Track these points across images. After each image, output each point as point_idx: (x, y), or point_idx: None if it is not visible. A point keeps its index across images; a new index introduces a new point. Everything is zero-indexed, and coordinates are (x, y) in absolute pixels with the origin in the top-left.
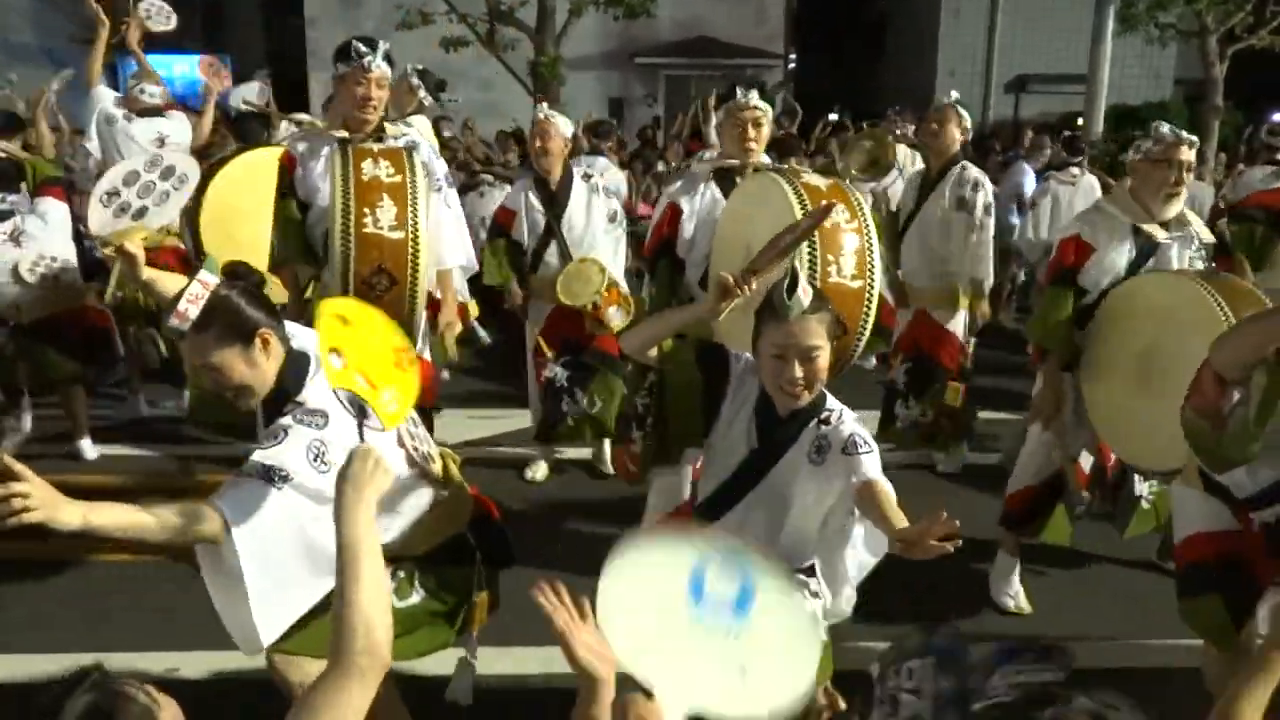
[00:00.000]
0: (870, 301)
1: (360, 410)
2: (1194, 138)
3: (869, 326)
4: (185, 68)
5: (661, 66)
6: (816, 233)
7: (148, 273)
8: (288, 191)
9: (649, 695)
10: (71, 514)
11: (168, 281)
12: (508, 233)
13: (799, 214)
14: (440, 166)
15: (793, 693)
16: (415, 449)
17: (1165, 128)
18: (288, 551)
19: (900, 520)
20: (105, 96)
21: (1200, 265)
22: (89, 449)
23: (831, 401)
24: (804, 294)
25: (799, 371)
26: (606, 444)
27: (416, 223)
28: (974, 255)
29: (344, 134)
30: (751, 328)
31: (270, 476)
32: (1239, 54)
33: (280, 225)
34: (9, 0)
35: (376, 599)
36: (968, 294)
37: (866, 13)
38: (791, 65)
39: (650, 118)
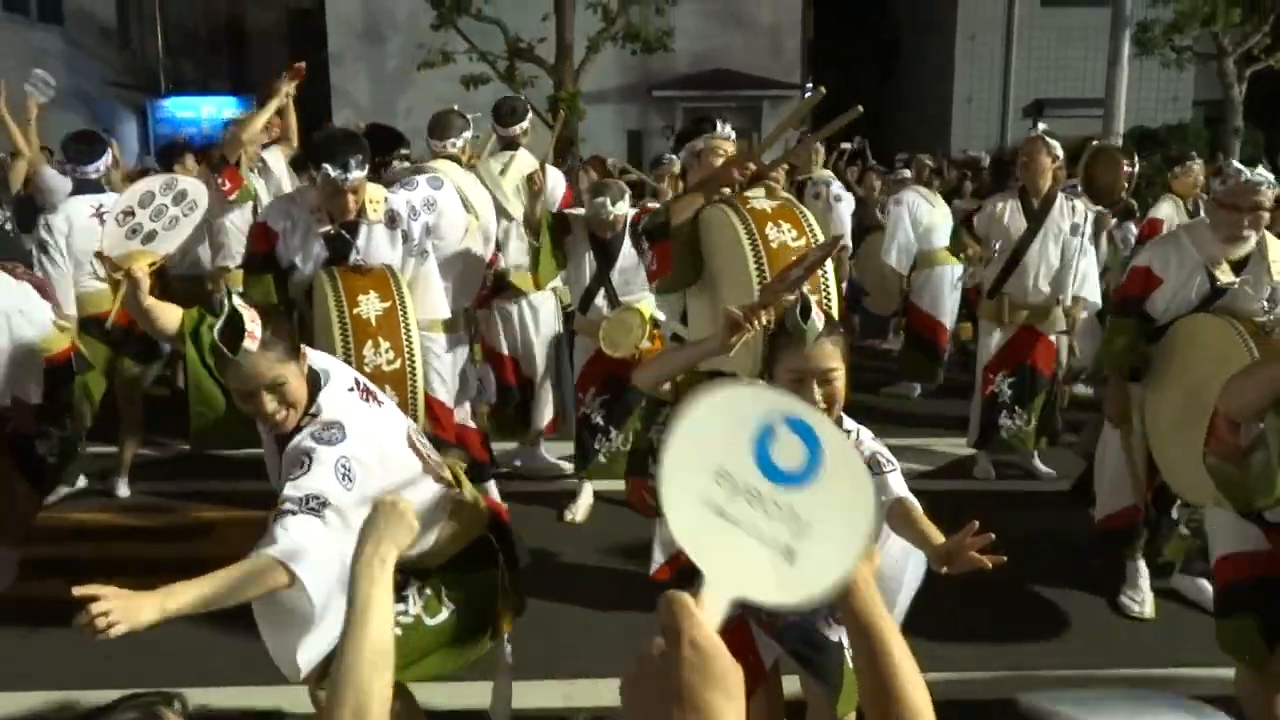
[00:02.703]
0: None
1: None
2: (1269, 179)
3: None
4: (212, 109)
5: (679, 99)
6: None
7: (148, 301)
8: (262, 266)
9: (693, 593)
10: (151, 613)
11: (165, 312)
12: (569, 230)
13: (745, 241)
14: (418, 228)
15: (837, 575)
16: (427, 454)
17: (1238, 169)
18: (334, 577)
19: (936, 535)
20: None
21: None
22: (123, 488)
23: (849, 422)
24: (818, 317)
25: (818, 394)
26: None
27: (411, 347)
28: (1085, 275)
29: (329, 228)
30: (754, 358)
31: (311, 507)
32: (1258, 74)
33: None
34: (43, 45)
35: (375, 669)
36: (1073, 309)
37: (882, 39)
38: (808, 94)
39: (668, 149)
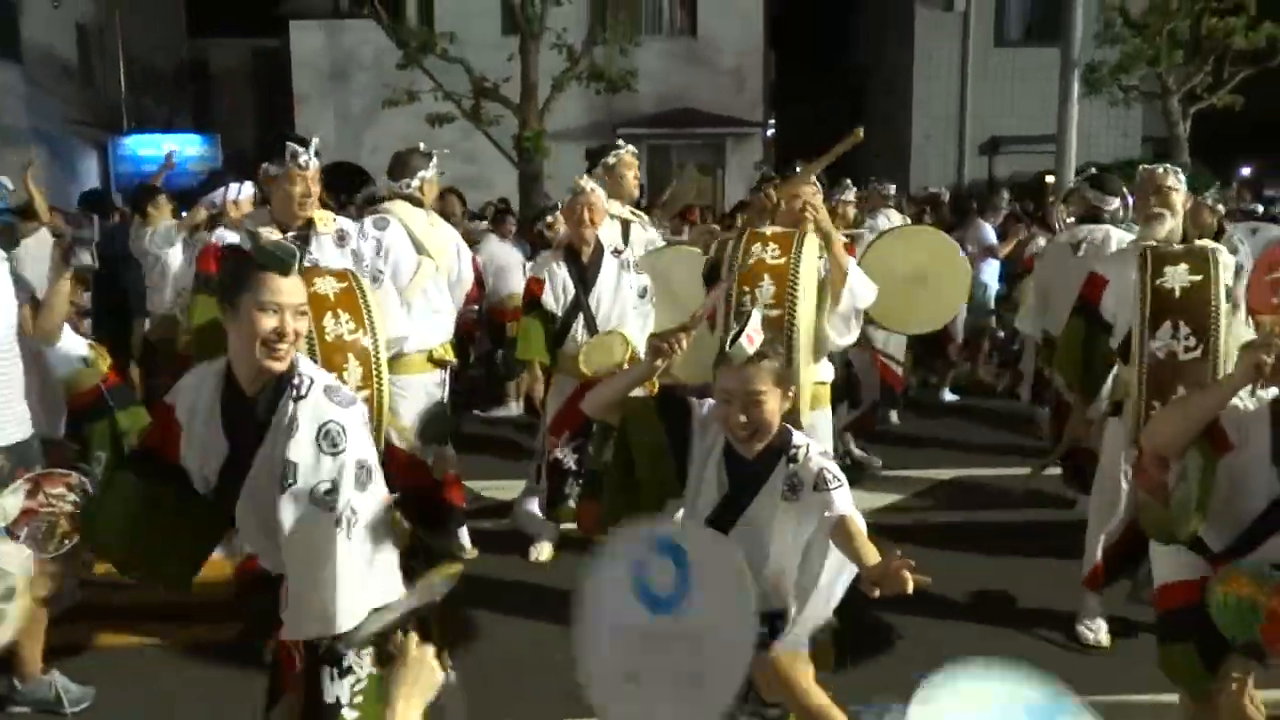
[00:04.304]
0: (793, 329)
1: None
2: (1168, 167)
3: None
4: (175, 147)
5: (644, 137)
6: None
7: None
8: (212, 286)
9: None
10: None
11: None
12: (540, 302)
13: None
14: (369, 249)
15: (739, 669)
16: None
17: (1143, 167)
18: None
19: (872, 555)
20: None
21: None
22: None
23: (798, 437)
24: (747, 341)
25: (743, 417)
26: None
27: (371, 318)
28: None
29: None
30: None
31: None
32: (1201, 112)
33: (207, 325)
34: (3, 82)
35: None
36: None
37: (845, 79)
38: (771, 132)
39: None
